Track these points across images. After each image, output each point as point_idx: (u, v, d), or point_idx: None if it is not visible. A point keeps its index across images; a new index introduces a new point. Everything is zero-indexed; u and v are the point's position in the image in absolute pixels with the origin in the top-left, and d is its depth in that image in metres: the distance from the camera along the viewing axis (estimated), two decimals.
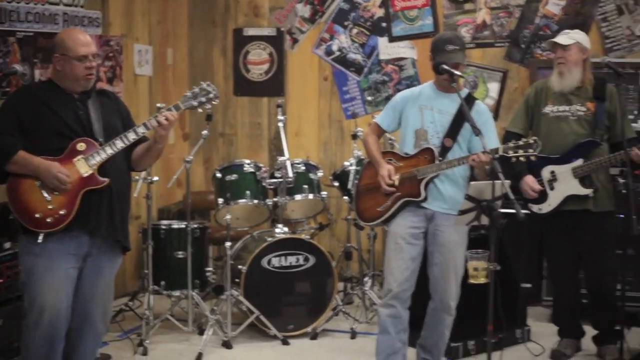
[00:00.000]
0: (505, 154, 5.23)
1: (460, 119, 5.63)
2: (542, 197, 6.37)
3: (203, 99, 5.20)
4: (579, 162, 6.22)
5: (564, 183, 6.27)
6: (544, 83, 6.49)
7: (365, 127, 6.08)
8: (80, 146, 4.97)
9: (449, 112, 5.70)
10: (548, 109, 6.38)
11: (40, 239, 4.87)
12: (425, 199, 5.67)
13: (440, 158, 5.63)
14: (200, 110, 5.27)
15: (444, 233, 5.68)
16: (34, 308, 4.94)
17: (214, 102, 5.26)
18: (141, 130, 5.09)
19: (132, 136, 5.07)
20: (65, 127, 4.96)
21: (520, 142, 5.28)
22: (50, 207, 4.87)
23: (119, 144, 5.03)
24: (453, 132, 5.68)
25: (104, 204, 5.04)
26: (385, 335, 5.79)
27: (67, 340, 5.11)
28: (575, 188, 6.25)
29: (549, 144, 6.29)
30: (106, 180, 5.01)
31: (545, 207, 6.37)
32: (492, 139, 5.54)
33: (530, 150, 5.26)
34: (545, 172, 6.34)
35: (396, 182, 5.73)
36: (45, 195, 4.89)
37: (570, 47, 6.26)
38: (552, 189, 6.33)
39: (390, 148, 6.89)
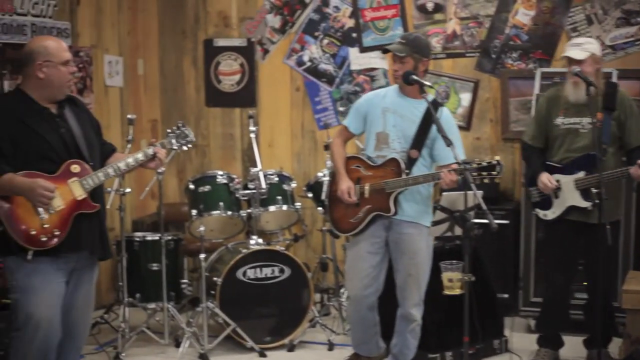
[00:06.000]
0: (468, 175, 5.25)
1: (426, 127, 5.70)
2: (547, 203, 6.41)
3: (183, 141, 5.45)
4: (580, 174, 6.24)
5: (567, 193, 6.30)
6: (555, 92, 6.49)
7: None
8: (75, 168, 4.97)
9: (411, 118, 5.77)
10: (559, 120, 6.37)
11: (29, 256, 4.86)
12: (395, 214, 5.75)
13: (407, 170, 5.70)
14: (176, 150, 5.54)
15: (405, 240, 5.79)
16: (30, 323, 4.94)
17: (189, 146, 5.52)
18: (132, 162, 5.18)
19: (122, 166, 5.15)
20: (51, 150, 4.92)
21: (484, 163, 5.34)
22: (45, 225, 4.86)
23: (111, 172, 5.09)
24: (418, 142, 5.76)
25: (95, 226, 5.09)
26: (356, 331, 6.13)
27: None
28: (577, 199, 6.26)
29: (560, 154, 6.37)
30: (97, 205, 5.04)
31: (550, 214, 6.41)
32: (457, 149, 5.51)
33: (494, 173, 5.31)
34: None
35: (366, 194, 5.80)
36: (40, 213, 4.87)
37: (585, 60, 6.21)
38: (556, 197, 6.36)
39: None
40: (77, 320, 5.16)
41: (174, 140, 5.46)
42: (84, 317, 5.27)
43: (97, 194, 5.09)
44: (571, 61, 6.26)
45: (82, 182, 4.96)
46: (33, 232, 4.85)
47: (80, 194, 4.96)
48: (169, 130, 5.51)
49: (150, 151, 5.23)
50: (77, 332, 5.20)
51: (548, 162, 6.42)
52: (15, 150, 4.86)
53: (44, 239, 4.86)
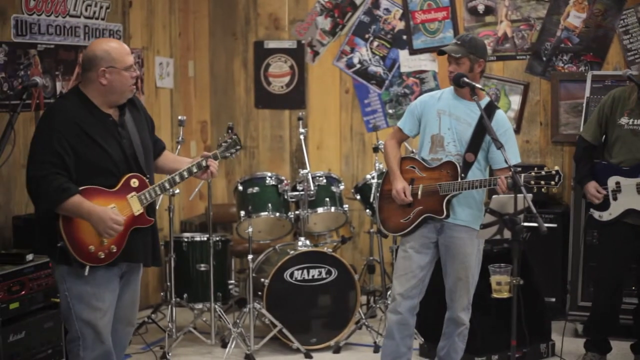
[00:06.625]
0: (526, 184, 5.22)
1: (481, 130, 5.62)
2: (604, 205, 6.36)
3: (233, 150, 5.45)
4: None
5: (627, 196, 6.26)
6: (622, 92, 6.42)
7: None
8: (134, 182, 4.91)
9: (466, 120, 5.70)
10: (624, 120, 6.32)
11: (86, 272, 4.81)
12: (447, 217, 5.69)
13: (463, 174, 5.64)
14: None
15: (456, 244, 5.72)
16: (89, 332, 4.92)
17: (237, 153, 5.53)
18: (186, 174, 5.17)
19: (177, 179, 5.14)
20: (112, 163, 4.84)
21: (543, 173, 5.28)
22: (103, 242, 4.81)
23: (167, 186, 5.05)
24: (475, 145, 5.68)
25: (149, 238, 5.07)
26: (391, 340, 5.92)
27: None
28: (637, 203, 6.23)
29: (622, 155, 6.32)
30: (153, 220, 5.02)
31: (606, 216, 6.37)
32: (511, 152, 5.50)
33: (552, 183, 5.26)
34: (611, 181, 6.33)
35: (419, 195, 5.75)
36: None
37: None
38: (614, 199, 6.32)
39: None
40: (122, 319, 5.16)
41: (227, 153, 5.47)
42: (130, 316, 5.27)
43: (151, 206, 5.05)
44: None
45: (140, 198, 4.91)
46: (92, 249, 4.79)
47: (138, 209, 4.90)
48: (221, 139, 5.50)
49: (203, 163, 5.23)
50: (121, 332, 5.18)
51: (604, 162, 6.37)
52: (77, 162, 4.78)
53: (102, 256, 4.82)
